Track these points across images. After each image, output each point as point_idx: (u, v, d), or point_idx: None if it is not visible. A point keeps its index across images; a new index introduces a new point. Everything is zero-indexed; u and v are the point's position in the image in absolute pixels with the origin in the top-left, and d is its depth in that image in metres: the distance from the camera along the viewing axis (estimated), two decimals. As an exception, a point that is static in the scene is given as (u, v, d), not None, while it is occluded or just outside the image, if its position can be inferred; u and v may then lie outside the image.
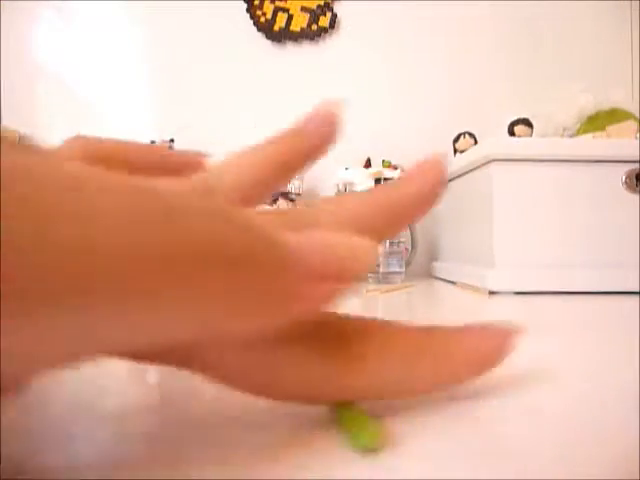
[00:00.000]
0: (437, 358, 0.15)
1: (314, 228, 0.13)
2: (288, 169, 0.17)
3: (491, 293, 0.50)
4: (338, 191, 0.74)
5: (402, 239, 0.64)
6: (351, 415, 0.13)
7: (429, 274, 0.78)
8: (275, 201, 0.71)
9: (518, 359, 0.23)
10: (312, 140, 0.17)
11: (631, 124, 0.57)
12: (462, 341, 0.16)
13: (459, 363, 0.15)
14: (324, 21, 0.85)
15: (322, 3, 0.85)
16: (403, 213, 0.16)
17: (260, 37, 0.85)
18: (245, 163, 0.17)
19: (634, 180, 0.51)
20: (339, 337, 0.14)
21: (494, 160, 0.52)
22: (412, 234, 0.74)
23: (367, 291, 0.54)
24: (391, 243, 0.63)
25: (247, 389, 0.14)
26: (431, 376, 0.15)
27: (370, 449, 0.12)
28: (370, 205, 0.15)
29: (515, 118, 0.68)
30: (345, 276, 0.12)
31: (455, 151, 0.75)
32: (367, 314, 0.16)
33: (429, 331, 0.16)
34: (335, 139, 0.17)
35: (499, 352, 0.15)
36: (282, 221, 0.14)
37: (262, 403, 0.14)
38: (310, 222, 0.14)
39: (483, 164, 0.55)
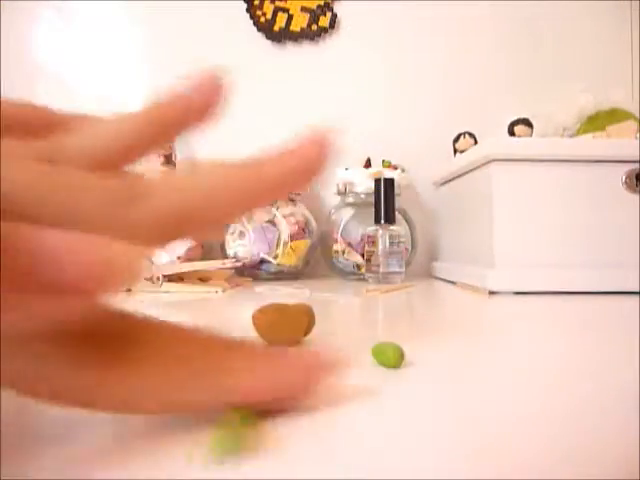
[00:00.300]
0: (219, 375, 0.14)
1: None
2: (160, 137, 0.16)
3: (491, 293, 0.50)
4: (338, 191, 0.74)
5: (402, 239, 0.64)
6: (229, 419, 0.13)
7: (429, 274, 0.78)
8: (274, 202, 0.71)
9: (517, 359, 0.23)
10: (191, 109, 0.16)
11: (631, 124, 0.57)
12: (260, 363, 0.14)
13: (248, 385, 0.14)
14: (324, 21, 0.85)
15: (322, 3, 0.85)
16: (266, 191, 0.14)
17: (260, 37, 0.85)
18: (112, 128, 0.15)
19: (634, 180, 0.51)
20: (115, 339, 0.13)
21: (494, 160, 0.52)
22: (412, 234, 0.74)
23: (367, 291, 0.54)
24: (391, 243, 0.63)
25: (21, 393, 0.13)
26: (214, 392, 0.13)
27: (221, 457, 0.12)
28: (222, 186, 0.14)
29: (515, 118, 0.68)
30: (74, 290, 0.10)
31: (455, 151, 0.75)
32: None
33: (222, 344, 0.15)
34: (218, 110, 0.16)
35: (297, 385, 0.15)
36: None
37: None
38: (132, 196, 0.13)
39: (483, 164, 0.55)
